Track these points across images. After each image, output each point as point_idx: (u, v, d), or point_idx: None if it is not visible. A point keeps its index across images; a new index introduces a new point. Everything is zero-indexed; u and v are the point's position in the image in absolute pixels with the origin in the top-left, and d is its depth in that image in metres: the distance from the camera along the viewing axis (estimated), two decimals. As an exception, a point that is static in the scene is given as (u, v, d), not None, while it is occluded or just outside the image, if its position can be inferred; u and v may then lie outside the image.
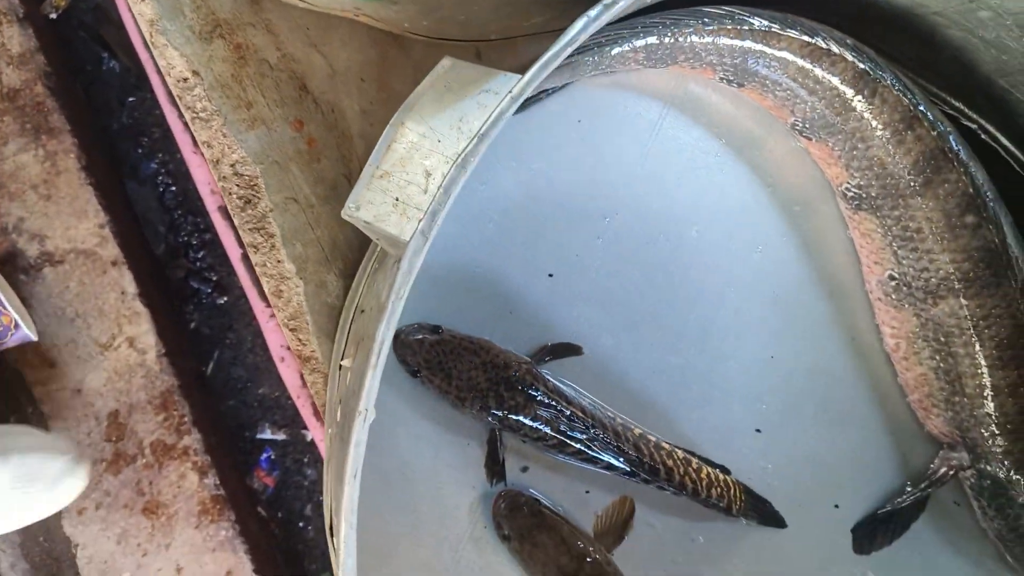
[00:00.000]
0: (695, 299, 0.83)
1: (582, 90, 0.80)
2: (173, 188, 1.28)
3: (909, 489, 0.87)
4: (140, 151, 1.28)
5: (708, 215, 0.84)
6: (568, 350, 0.80)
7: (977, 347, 0.81)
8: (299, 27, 0.76)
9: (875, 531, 0.88)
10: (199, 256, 1.29)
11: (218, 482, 1.16)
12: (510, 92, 0.54)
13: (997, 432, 0.83)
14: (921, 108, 0.77)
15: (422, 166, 0.55)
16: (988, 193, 0.79)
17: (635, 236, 0.82)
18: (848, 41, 0.76)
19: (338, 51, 0.77)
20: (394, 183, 0.55)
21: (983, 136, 0.87)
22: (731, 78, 0.79)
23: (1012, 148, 0.87)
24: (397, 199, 0.55)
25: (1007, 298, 0.79)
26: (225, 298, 1.29)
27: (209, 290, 1.29)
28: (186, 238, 1.29)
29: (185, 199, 1.29)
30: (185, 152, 0.93)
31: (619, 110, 0.81)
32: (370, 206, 0.55)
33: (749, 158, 0.85)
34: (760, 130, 0.85)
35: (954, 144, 0.78)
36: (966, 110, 0.86)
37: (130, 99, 1.27)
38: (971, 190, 0.78)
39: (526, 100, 0.76)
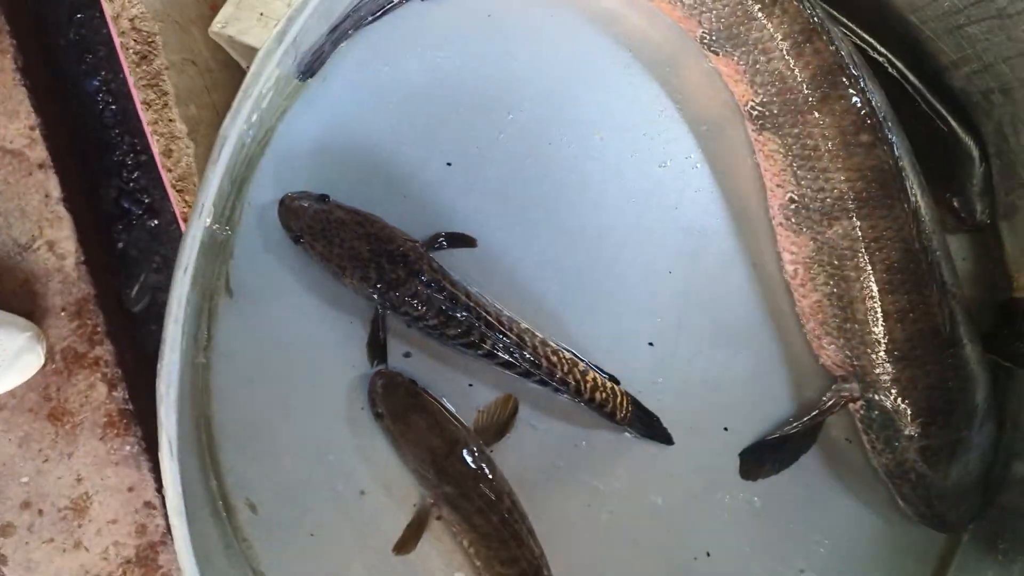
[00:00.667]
0: (595, 205, 0.84)
1: (494, -14, 0.81)
2: (113, 107, 1.28)
3: (796, 422, 0.87)
4: (84, 68, 1.28)
5: (614, 123, 0.84)
6: (461, 240, 0.80)
7: (868, 270, 0.81)
8: None
9: (763, 458, 0.87)
10: (133, 177, 1.28)
11: (127, 396, 1.15)
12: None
13: (886, 359, 0.83)
14: (820, 21, 0.78)
15: (290, -16, 0.56)
16: (884, 114, 0.80)
17: (538, 134, 0.82)
18: (751, -52, 0.77)
19: (252, -76, 0.77)
20: (261, 0, 0.56)
21: (891, 71, 0.88)
22: (640, -17, 0.81)
23: (919, 84, 0.88)
24: (261, 14, 0.55)
25: (899, 221, 0.80)
26: (156, 222, 1.29)
27: (140, 212, 1.28)
28: (121, 157, 1.28)
29: (124, 118, 1.29)
30: (128, 71, 0.93)
31: (531, 11, 0.82)
32: (236, 22, 0.56)
33: (659, 74, 0.86)
34: (672, 48, 0.86)
35: (852, 61, 0.79)
36: (876, 44, 0.87)
37: (78, 15, 1.28)
38: (867, 109, 0.79)
39: (435, -12, 0.77)
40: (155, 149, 0.76)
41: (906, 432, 0.84)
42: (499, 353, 0.76)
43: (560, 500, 0.82)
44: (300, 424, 0.76)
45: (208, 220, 0.53)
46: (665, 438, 0.85)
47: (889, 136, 0.79)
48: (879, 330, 0.82)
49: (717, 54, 0.83)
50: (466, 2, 0.80)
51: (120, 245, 1.29)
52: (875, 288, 0.81)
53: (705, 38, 0.82)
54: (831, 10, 0.85)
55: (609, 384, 0.82)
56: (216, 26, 0.56)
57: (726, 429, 0.87)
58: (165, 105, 0.73)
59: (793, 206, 0.84)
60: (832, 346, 0.86)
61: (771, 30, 0.78)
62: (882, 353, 0.83)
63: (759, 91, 0.82)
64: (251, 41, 0.54)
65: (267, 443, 0.75)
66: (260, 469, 0.74)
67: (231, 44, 0.56)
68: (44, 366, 1.08)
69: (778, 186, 0.85)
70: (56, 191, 1.14)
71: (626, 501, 0.84)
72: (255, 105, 0.54)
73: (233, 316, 0.74)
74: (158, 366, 0.54)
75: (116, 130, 1.29)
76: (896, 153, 0.80)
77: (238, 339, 0.74)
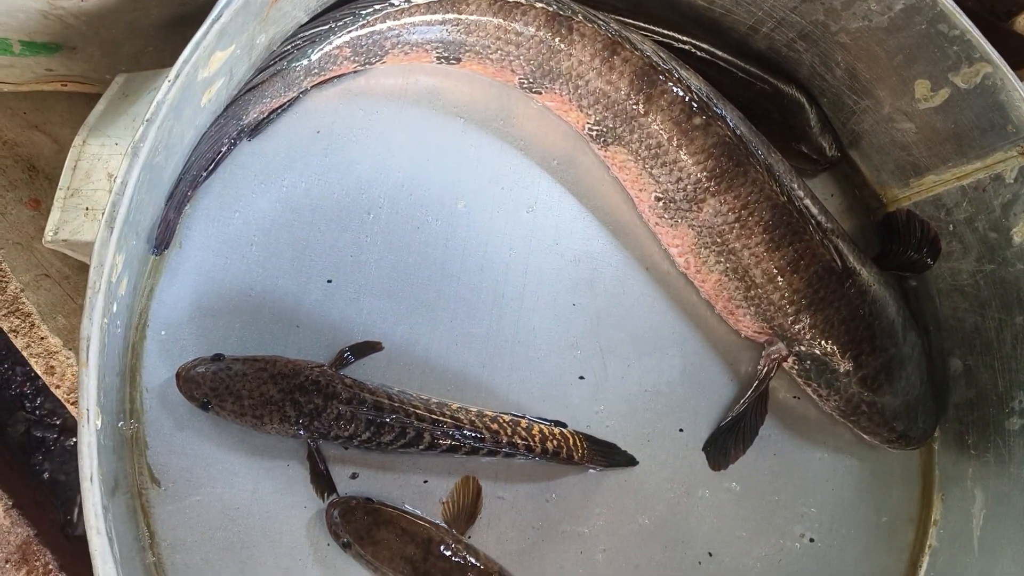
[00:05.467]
0: (480, 268, 0.85)
1: (313, 103, 0.83)
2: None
3: (742, 399, 0.89)
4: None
5: (470, 188, 0.86)
6: (367, 348, 0.80)
7: (749, 236, 0.84)
8: (16, 114, 0.77)
9: (726, 444, 0.89)
10: (36, 404, 1.24)
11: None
12: (176, 74, 0.56)
13: (796, 310, 0.86)
14: (617, 32, 0.82)
15: (105, 171, 0.56)
16: (707, 94, 0.84)
17: (403, 224, 0.83)
18: (532, -10, 0.81)
19: (60, 127, 0.78)
20: (83, 196, 0.56)
21: (700, 54, 0.93)
22: (446, 55, 0.84)
23: (728, 57, 0.93)
24: (87, 208, 0.55)
25: (757, 183, 0.84)
26: (73, 440, 1.25)
27: (54, 435, 1.24)
28: (18, 389, 1.24)
29: (8, 351, 1.25)
30: None
31: (355, 114, 0.84)
32: (65, 226, 0.56)
33: (496, 129, 0.89)
34: (499, 102, 0.89)
35: (660, 58, 0.83)
36: (677, 35, 0.92)
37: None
38: (689, 95, 0.83)
39: (259, 124, 0.78)
40: (38, 370, 0.74)
41: (841, 370, 0.87)
42: (440, 441, 0.76)
43: (553, 558, 0.82)
44: (272, 584, 0.74)
45: (98, 424, 0.52)
46: (628, 461, 0.86)
47: (719, 111, 0.84)
48: (780, 286, 0.85)
49: (540, 93, 0.87)
50: (292, 128, 0.82)
51: (46, 475, 1.25)
52: (761, 250, 0.85)
53: (524, 83, 0.86)
54: (624, 19, 0.89)
55: (557, 430, 0.82)
56: (48, 235, 0.56)
57: (681, 430, 0.88)
58: (32, 326, 0.72)
59: (661, 204, 0.87)
60: (746, 316, 0.88)
61: (577, 55, 0.82)
62: (791, 306, 0.85)
63: (590, 112, 0.86)
64: (87, 238, 0.54)
65: (245, 616, 0.73)
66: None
67: (70, 247, 0.56)
68: (3, 627, 1.03)
69: (641, 190, 0.88)
70: (-39, 448, 1.10)
71: (615, 534, 0.84)
72: (110, 296, 0.53)
73: (169, 504, 0.72)
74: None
75: (5, 364, 1.25)
76: (731, 124, 0.84)
77: (181, 525, 0.72)
